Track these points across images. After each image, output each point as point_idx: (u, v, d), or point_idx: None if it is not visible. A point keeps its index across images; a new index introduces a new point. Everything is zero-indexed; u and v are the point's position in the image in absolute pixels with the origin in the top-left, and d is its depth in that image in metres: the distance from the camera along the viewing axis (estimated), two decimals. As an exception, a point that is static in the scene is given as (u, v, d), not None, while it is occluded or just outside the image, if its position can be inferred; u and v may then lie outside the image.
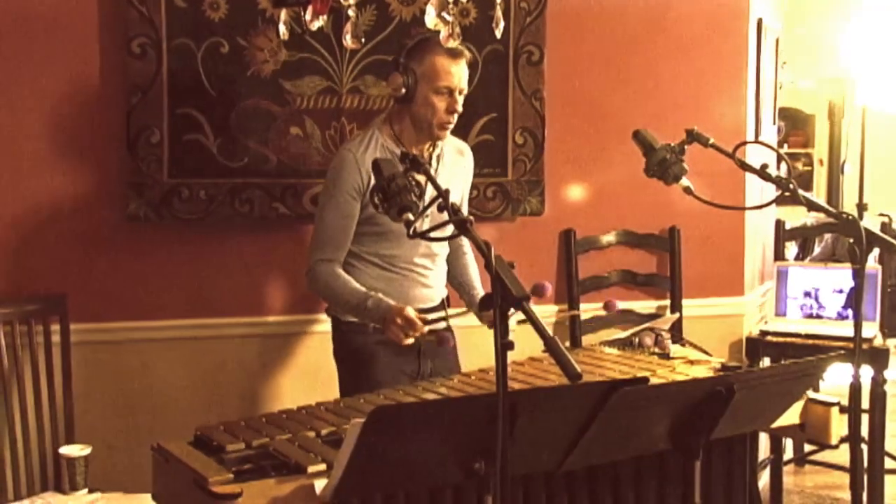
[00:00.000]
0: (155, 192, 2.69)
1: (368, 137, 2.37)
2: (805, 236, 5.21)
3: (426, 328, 2.18)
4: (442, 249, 2.49)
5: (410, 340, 2.17)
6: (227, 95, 2.72)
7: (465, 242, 2.57)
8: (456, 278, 2.56)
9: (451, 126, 2.36)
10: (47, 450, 2.50)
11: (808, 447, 3.81)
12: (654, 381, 2.08)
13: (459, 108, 2.32)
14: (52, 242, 2.66)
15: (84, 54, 2.64)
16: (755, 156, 3.06)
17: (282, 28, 1.82)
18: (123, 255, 2.73)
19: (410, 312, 2.18)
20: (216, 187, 2.74)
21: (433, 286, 2.46)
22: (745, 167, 2.07)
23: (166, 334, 2.77)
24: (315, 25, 1.73)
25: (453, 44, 1.81)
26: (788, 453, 3.76)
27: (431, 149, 2.41)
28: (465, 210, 2.57)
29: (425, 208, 1.73)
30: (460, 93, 2.32)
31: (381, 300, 2.24)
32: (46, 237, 2.66)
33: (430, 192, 1.84)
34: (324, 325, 2.65)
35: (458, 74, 2.30)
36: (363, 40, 1.90)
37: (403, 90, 2.28)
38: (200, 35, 2.68)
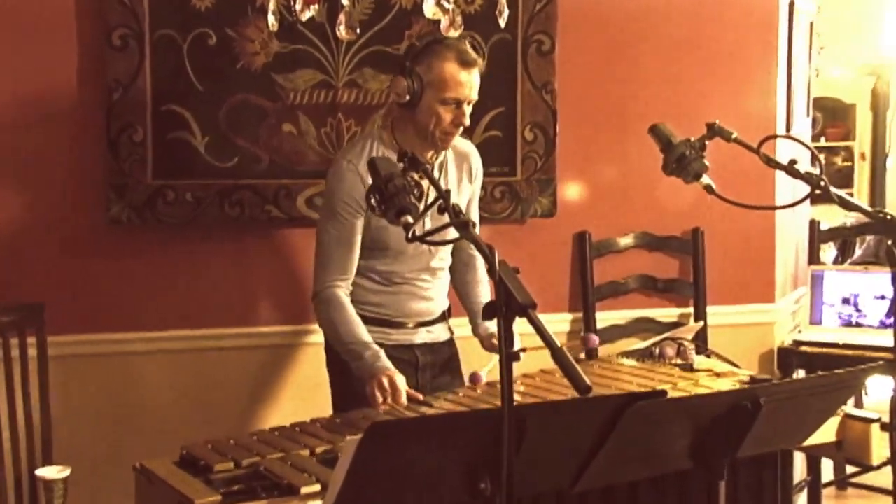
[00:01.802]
0: (138, 194, 2.72)
1: (368, 147, 2.35)
2: (844, 237, 5.18)
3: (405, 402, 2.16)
4: (443, 262, 2.49)
5: (385, 406, 2.14)
6: (216, 90, 2.75)
7: (477, 255, 2.52)
8: (467, 297, 2.53)
9: (455, 137, 2.36)
10: (23, 472, 2.52)
11: (850, 468, 3.79)
12: (675, 394, 2.11)
13: (467, 121, 2.31)
14: (27, 249, 2.69)
15: (60, 47, 2.67)
16: (790, 151, 3.07)
17: (271, 18, 1.84)
18: (104, 261, 2.76)
19: (400, 382, 2.16)
20: (204, 189, 2.77)
21: (433, 298, 2.47)
22: (771, 163, 2.08)
23: (150, 346, 2.80)
24: (305, 16, 1.76)
25: (454, 33, 1.83)
26: (828, 475, 3.75)
27: (435, 156, 2.40)
28: (474, 216, 2.56)
29: (425, 210, 1.75)
30: (469, 103, 2.30)
31: (379, 357, 2.22)
32: (22, 243, 2.69)
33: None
34: (319, 335, 2.67)
35: (469, 85, 2.27)
36: (358, 31, 1.92)
37: (407, 97, 2.26)
38: (186, 26, 2.71)
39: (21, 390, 2.55)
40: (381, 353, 2.25)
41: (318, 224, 2.42)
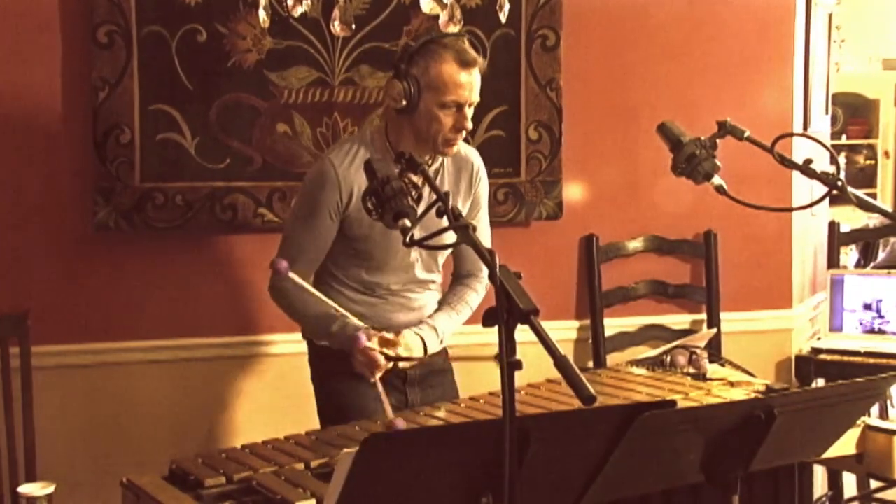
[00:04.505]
0: (126, 197, 2.74)
1: (356, 149, 2.31)
2: (866, 240, 5.19)
3: (390, 364, 2.17)
4: (433, 274, 2.44)
5: (376, 377, 2.14)
6: (206, 89, 2.77)
7: (477, 287, 2.48)
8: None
9: (458, 143, 2.30)
10: (4, 489, 2.53)
11: (875, 483, 3.78)
12: (686, 404, 2.12)
13: (469, 124, 2.26)
14: (11, 255, 2.71)
15: (43, 44, 2.69)
16: (808, 149, 3.08)
17: (262, 14, 1.86)
18: (91, 268, 2.77)
19: (370, 346, 2.15)
20: (194, 192, 2.79)
21: (422, 309, 2.44)
22: (785, 162, 2.09)
23: (139, 357, 2.81)
24: (298, 11, 1.77)
25: (454, 29, 1.85)
26: (851, 489, 3.74)
27: (431, 161, 2.35)
28: (482, 225, 2.49)
29: (425, 212, 1.77)
30: (470, 106, 2.25)
31: (346, 325, 2.22)
32: (4, 250, 2.70)
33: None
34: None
35: (470, 86, 2.22)
36: (354, 26, 1.93)
37: (404, 101, 2.21)
38: (175, 22, 2.73)
39: (3, 402, 2.57)
40: (348, 318, 2.22)
41: (290, 218, 2.42)
